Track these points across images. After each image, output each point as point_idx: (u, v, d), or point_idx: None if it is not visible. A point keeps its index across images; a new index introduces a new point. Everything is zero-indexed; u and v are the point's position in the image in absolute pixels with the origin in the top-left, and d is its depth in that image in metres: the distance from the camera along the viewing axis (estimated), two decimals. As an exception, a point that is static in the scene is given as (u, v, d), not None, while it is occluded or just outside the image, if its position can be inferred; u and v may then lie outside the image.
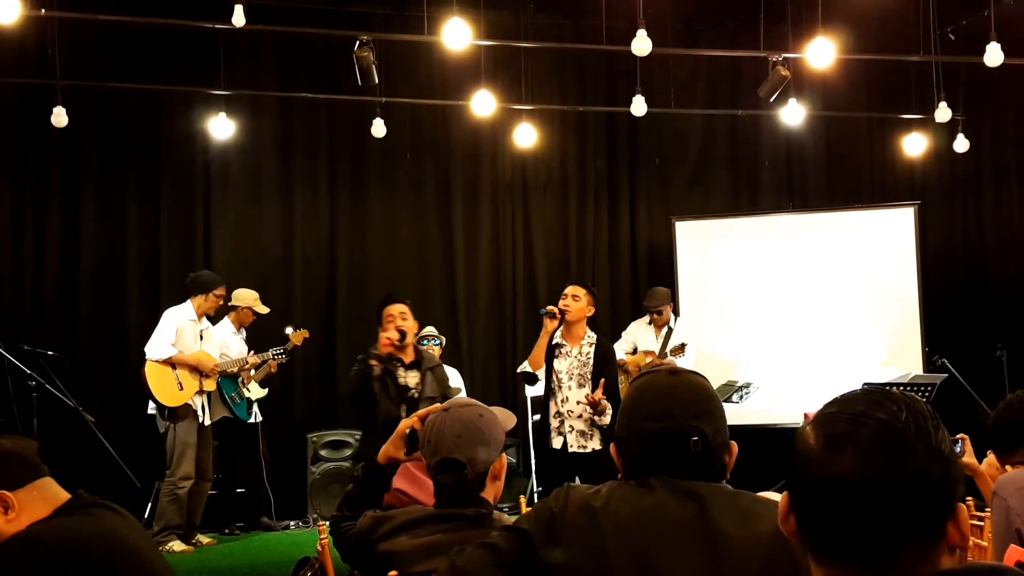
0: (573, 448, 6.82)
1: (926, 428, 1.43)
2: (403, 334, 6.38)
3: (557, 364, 6.91)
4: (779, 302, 10.44)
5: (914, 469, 1.40)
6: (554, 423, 6.88)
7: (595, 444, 6.85)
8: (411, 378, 6.45)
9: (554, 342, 6.96)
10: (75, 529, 2.63)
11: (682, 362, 9.00)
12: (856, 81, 11.22)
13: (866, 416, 1.45)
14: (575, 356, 6.90)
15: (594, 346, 6.95)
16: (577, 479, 6.76)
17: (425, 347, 9.35)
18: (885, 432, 1.42)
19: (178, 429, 8.38)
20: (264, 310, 9.26)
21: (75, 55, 9.45)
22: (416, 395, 6.42)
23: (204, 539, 8.62)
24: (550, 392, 6.95)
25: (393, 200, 10.82)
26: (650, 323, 9.68)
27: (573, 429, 6.83)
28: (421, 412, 3.10)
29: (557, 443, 6.85)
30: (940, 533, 1.42)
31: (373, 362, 6.32)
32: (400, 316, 6.43)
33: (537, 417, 7.73)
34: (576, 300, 6.94)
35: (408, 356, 6.46)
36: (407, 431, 3.10)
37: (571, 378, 6.90)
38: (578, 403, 6.84)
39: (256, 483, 9.33)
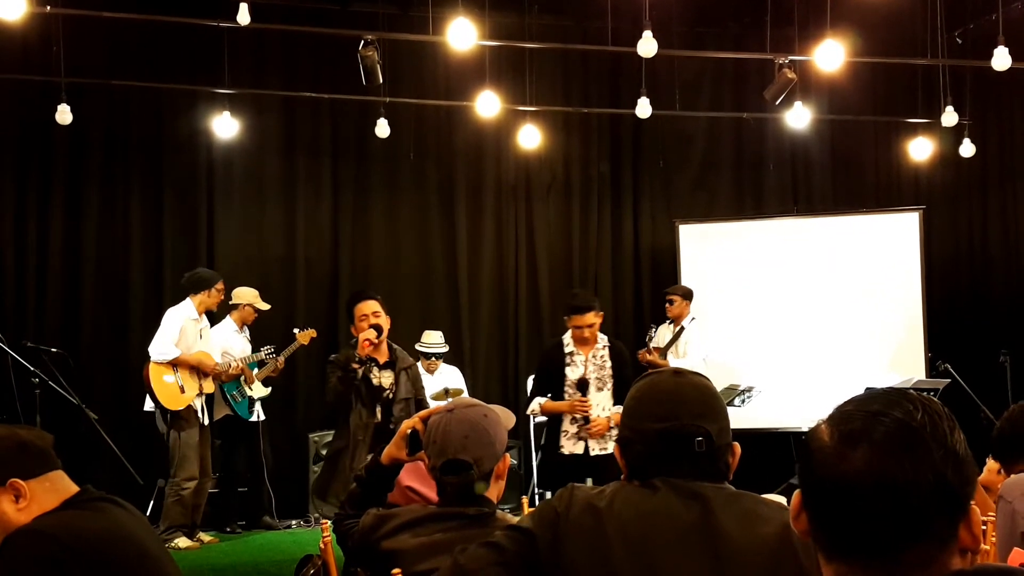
0: (595, 451, 6.74)
1: (942, 428, 1.42)
2: (379, 330, 6.31)
3: (569, 373, 6.77)
4: (782, 306, 10.42)
5: (929, 469, 1.39)
6: (571, 429, 6.72)
7: (612, 445, 6.76)
8: (385, 378, 6.43)
9: (566, 350, 6.86)
10: (81, 524, 2.64)
11: (684, 363, 8.99)
12: (862, 85, 11.21)
13: (882, 415, 1.44)
14: (591, 360, 6.79)
15: (608, 347, 6.86)
16: (589, 481, 6.69)
17: (430, 361, 9.42)
18: (901, 431, 1.42)
19: (181, 432, 8.39)
20: (264, 307, 9.29)
21: (79, 53, 9.45)
22: (390, 396, 6.40)
23: (206, 537, 8.63)
24: (561, 400, 6.79)
25: (396, 200, 10.82)
26: (669, 322, 9.69)
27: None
28: (424, 413, 3.10)
29: (578, 448, 6.71)
30: (951, 534, 1.41)
31: (356, 366, 6.26)
32: (373, 315, 6.36)
33: (543, 418, 7.61)
34: (592, 328, 6.80)
35: (382, 356, 6.43)
36: (409, 432, 3.10)
37: (589, 383, 6.82)
38: (599, 406, 6.76)
39: (258, 482, 9.33)
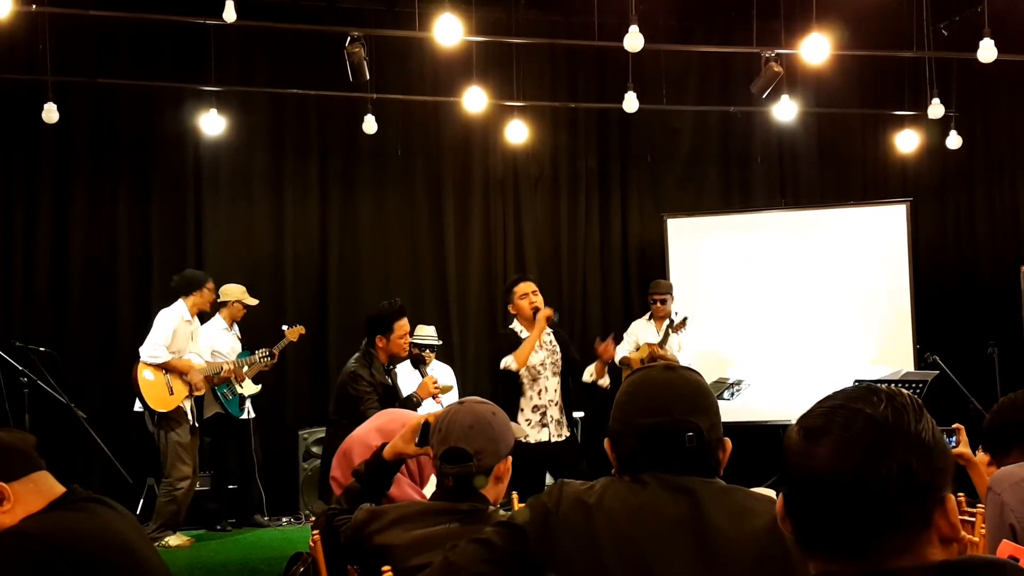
0: (555, 438, 6.87)
1: (907, 419, 1.44)
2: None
3: (533, 358, 6.91)
4: (771, 299, 10.44)
5: (892, 460, 1.41)
6: (534, 417, 6.85)
7: (566, 432, 6.96)
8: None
9: (522, 337, 6.97)
10: (69, 524, 2.62)
11: (680, 357, 9.04)
12: (849, 77, 11.23)
13: (841, 409, 1.46)
14: (544, 346, 6.96)
15: (552, 332, 7.06)
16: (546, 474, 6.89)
17: (425, 353, 9.54)
18: (858, 424, 1.44)
19: (171, 433, 8.37)
20: (253, 301, 9.27)
21: (66, 51, 9.43)
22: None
23: (184, 537, 8.52)
24: (520, 388, 6.90)
25: (384, 197, 10.80)
26: (650, 319, 9.68)
27: (553, 419, 6.88)
28: (437, 412, 3.12)
29: (543, 436, 6.83)
30: (923, 524, 1.42)
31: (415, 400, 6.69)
32: (407, 332, 6.74)
33: None
34: (537, 295, 7.02)
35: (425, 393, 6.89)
36: (420, 424, 3.12)
37: (546, 368, 6.95)
38: (555, 391, 6.95)
39: (248, 480, 9.32)
